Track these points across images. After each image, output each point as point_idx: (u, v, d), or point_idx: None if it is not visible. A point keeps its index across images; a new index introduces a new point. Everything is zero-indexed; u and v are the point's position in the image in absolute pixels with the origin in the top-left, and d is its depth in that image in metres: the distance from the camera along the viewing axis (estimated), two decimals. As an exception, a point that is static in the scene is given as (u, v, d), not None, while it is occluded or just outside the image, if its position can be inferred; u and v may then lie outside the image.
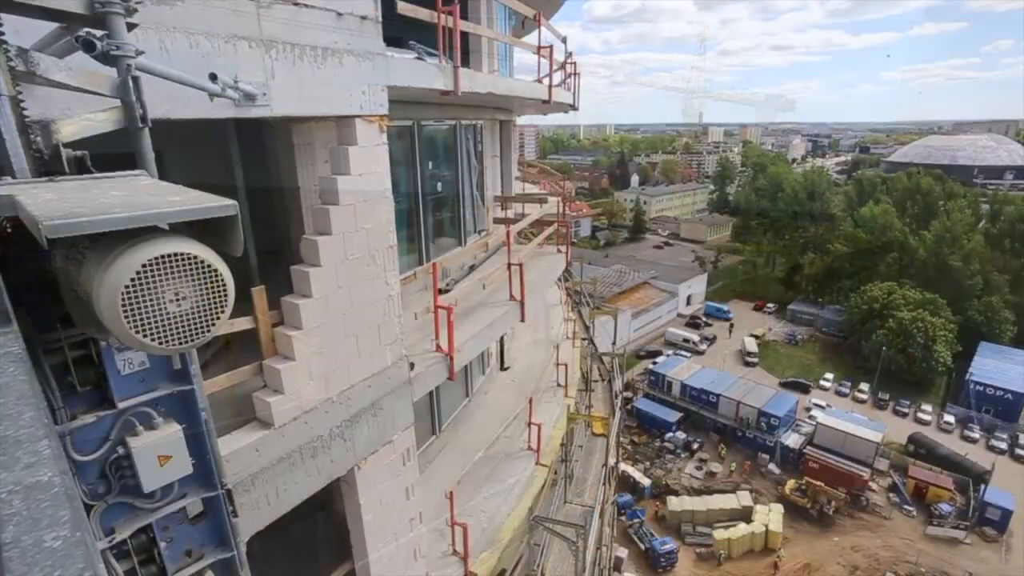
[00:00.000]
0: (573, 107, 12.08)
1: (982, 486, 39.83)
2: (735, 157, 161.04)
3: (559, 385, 11.79)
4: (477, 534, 7.78)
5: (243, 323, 4.22)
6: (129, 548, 2.42)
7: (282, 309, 4.46)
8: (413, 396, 5.68)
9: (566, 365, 11.69)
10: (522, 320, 7.84)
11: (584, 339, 16.04)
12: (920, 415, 50.70)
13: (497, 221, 11.17)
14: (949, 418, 49.83)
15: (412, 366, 5.70)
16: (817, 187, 78.31)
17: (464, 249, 8.39)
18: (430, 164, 8.85)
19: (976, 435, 47.61)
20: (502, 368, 12.57)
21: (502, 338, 12.69)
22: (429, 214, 8.95)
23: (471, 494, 8.59)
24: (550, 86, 8.63)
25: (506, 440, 9.87)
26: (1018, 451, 45.41)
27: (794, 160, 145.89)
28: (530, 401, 9.20)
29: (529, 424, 9.35)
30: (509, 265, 7.65)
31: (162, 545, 2.49)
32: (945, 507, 39.68)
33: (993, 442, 46.59)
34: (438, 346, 6.17)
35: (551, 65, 8.70)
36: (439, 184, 9.18)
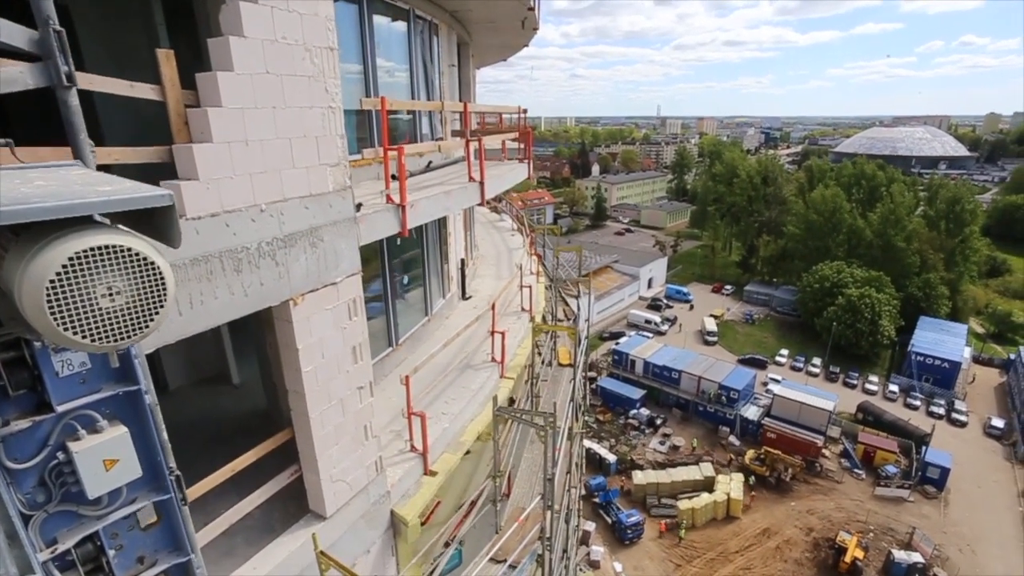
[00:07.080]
0: (534, 23, 11.59)
1: (923, 448, 42.07)
2: (692, 148, 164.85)
3: (523, 310, 11.33)
4: (438, 434, 7.22)
5: (146, 90, 3.51)
6: (75, 558, 2.27)
7: (197, 87, 3.76)
8: (360, 239, 5.05)
9: (531, 287, 11.23)
10: (481, 203, 7.30)
11: (548, 284, 15.65)
12: (868, 385, 53.25)
13: (455, 133, 10.57)
14: (893, 387, 52.54)
15: (359, 207, 5.08)
16: (770, 172, 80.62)
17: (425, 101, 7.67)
18: (380, 51, 8.16)
19: (917, 402, 50.39)
20: (464, 297, 12.00)
21: (463, 267, 12.13)
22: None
23: (433, 399, 8.01)
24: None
25: (468, 355, 9.33)
26: (954, 415, 48.37)
27: (748, 151, 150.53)
28: (492, 307, 8.67)
29: (492, 333, 8.83)
30: (467, 141, 7.09)
31: (111, 553, 2.36)
32: (891, 469, 41.75)
33: (932, 408, 49.40)
34: (388, 197, 5.56)
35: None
36: (390, 76, 8.51)
